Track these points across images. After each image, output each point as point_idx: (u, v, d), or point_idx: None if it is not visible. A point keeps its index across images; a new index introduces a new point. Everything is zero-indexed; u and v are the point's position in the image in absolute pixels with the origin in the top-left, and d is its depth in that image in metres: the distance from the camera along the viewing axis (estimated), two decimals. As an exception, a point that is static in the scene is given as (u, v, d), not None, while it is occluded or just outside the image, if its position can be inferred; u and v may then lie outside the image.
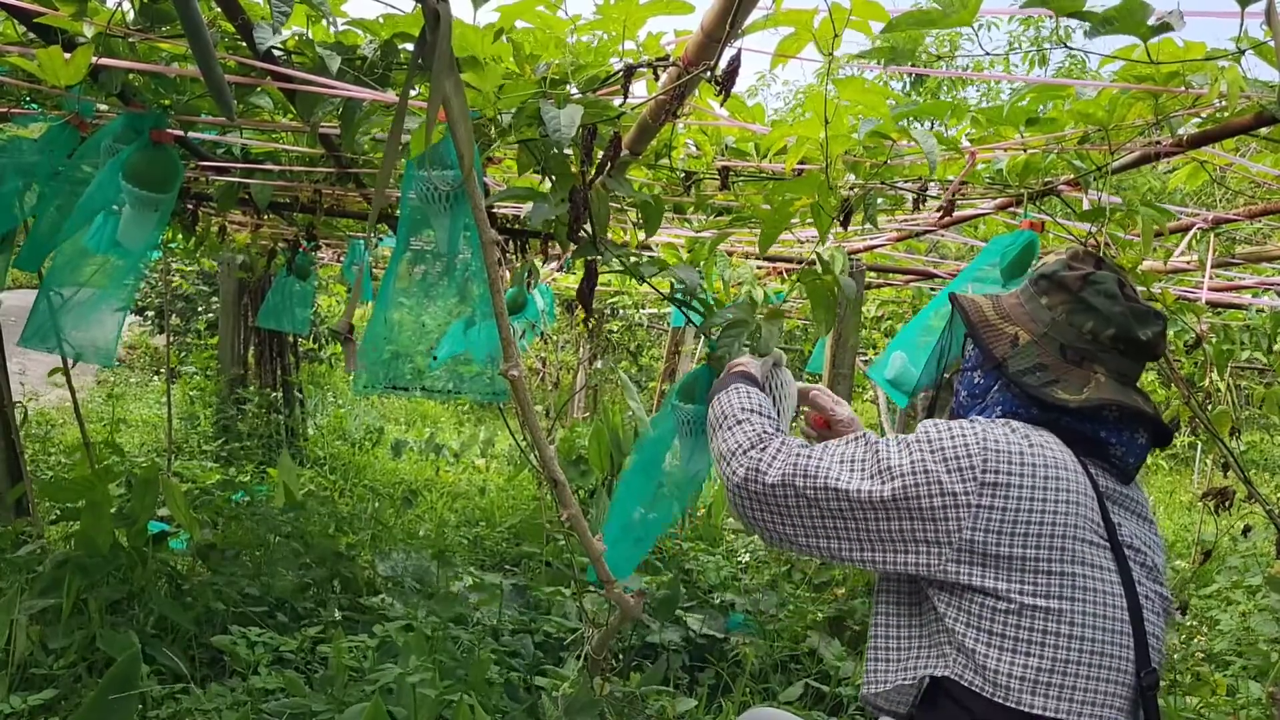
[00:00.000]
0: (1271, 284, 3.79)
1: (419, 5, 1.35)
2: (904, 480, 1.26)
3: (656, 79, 1.80)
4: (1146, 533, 1.33)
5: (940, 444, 1.27)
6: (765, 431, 1.43)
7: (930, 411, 1.64)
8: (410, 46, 1.92)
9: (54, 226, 2.39)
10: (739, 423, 1.47)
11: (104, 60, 1.90)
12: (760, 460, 1.36)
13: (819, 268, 2.19)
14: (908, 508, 1.25)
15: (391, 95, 1.92)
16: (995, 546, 1.21)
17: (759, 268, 4.53)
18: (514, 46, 1.84)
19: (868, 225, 2.47)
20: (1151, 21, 1.61)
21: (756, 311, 1.96)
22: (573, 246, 2.03)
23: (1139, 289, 2.66)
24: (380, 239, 3.91)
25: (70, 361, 3.63)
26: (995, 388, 1.41)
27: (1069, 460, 1.27)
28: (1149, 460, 10.88)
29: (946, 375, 1.61)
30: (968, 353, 1.50)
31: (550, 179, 2.02)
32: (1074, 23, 1.65)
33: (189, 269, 8.34)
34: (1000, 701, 1.20)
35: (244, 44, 1.79)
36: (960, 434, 1.27)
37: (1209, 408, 3.29)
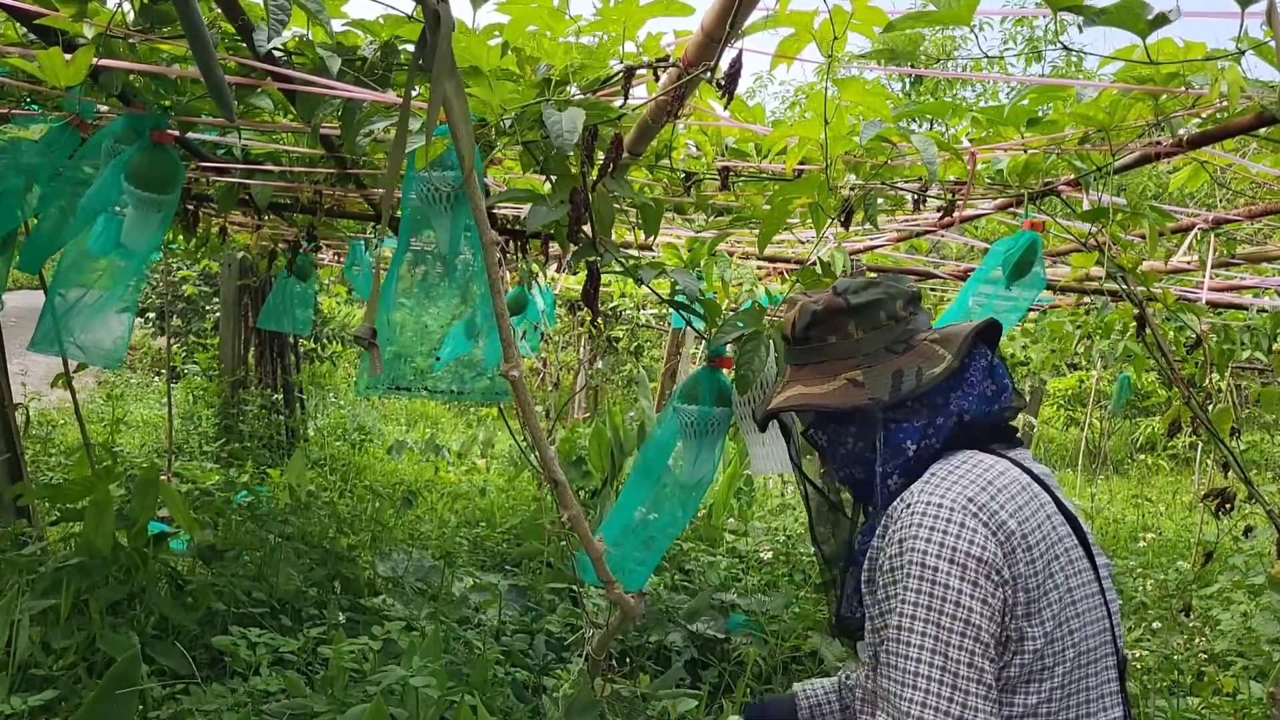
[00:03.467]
0: (1272, 284, 3.79)
1: (419, 6, 1.35)
2: (974, 624, 1.14)
3: (656, 80, 1.80)
4: (1074, 504, 1.33)
5: (950, 550, 1.16)
6: None
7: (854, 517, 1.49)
8: (410, 47, 1.92)
9: (55, 228, 2.40)
10: None
11: (104, 61, 1.90)
12: None
13: (819, 268, 2.19)
14: (988, 635, 1.15)
15: (392, 96, 1.92)
16: (1024, 594, 1.17)
17: (759, 268, 4.53)
18: (516, 51, 1.84)
19: (868, 225, 2.47)
20: (1149, 16, 1.60)
21: (765, 318, 1.95)
22: (573, 248, 2.03)
23: (1139, 289, 2.67)
24: (381, 240, 3.91)
25: (71, 364, 3.63)
26: (881, 435, 1.31)
27: (1014, 471, 1.24)
28: (1150, 461, 10.90)
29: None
30: (825, 440, 1.41)
31: (550, 180, 2.02)
32: (1069, 18, 1.65)
33: (192, 273, 8.35)
34: None
35: (244, 45, 1.80)
36: (949, 518, 1.17)
37: (1209, 408, 3.29)
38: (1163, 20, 1.61)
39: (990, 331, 1.36)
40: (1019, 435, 1.37)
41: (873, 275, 1.38)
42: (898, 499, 1.25)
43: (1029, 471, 1.27)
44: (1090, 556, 1.26)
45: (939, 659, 1.15)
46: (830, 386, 1.34)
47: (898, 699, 1.17)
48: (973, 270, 3.06)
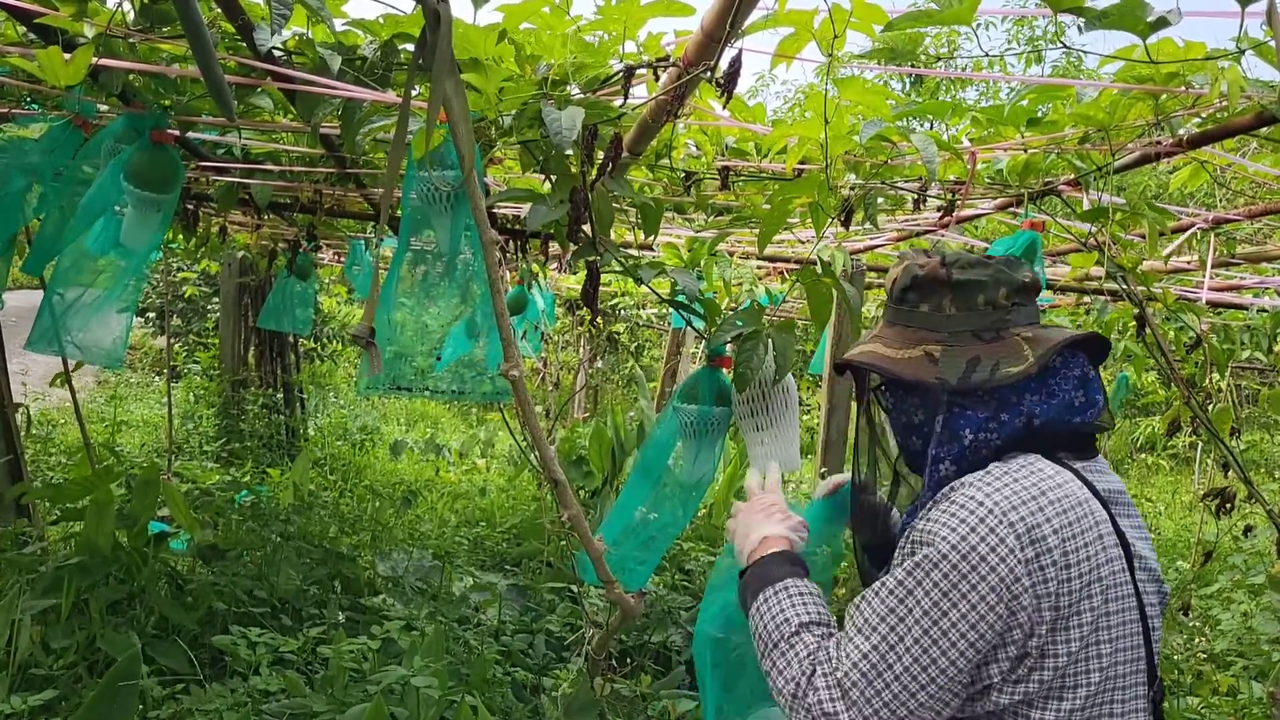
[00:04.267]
0: (1272, 284, 3.79)
1: (419, 6, 1.35)
2: (956, 610, 1.16)
3: (657, 79, 1.80)
4: (1138, 524, 1.30)
5: (968, 547, 1.16)
6: (810, 656, 1.26)
7: (893, 491, 1.50)
8: (410, 47, 1.92)
9: (58, 229, 2.40)
10: (785, 651, 1.29)
11: (104, 61, 1.90)
12: (819, 703, 1.21)
13: (818, 268, 2.19)
14: (966, 642, 1.17)
15: (392, 96, 1.92)
16: (1052, 612, 1.16)
17: (759, 267, 4.53)
18: (515, 47, 1.84)
19: (868, 225, 2.47)
20: (1149, 18, 1.60)
21: (764, 317, 1.95)
22: (572, 247, 2.03)
23: (1139, 289, 2.67)
24: (381, 240, 3.92)
25: (71, 363, 3.64)
26: (943, 415, 1.30)
27: (1073, 485, 1.22)
28: (1150, 460, 10.90)
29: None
30: (889, 405, 1.40)
31: (550, 180, 2.02)
32: (1068, 19, 1.64)
33: (194, 274, 8.35)
34: None
35: (244, 44, 1.80)
36: (982, 520, 1.17)
37: (1209, 407, 3.29)
38: (1163, 23, 1.61)
39: (1094, 344, 1.33)
40: (1096, 447, 1.33)
41: (989, 257, 1.32)
42: (947, 486, 1.25)
43: (1091, 486, 1.24)
44: (1135, 581, 1.23)
45: (894, 634, 1.18)
46: (906, 354, 1.33)
47: (846, 639, 1.23)
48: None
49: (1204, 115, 2.08)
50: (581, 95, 1.89)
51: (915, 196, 2.45)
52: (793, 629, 1.31)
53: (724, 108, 1.80)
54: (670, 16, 1.76)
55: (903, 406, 1.38)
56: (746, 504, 1.61)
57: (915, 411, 1.35)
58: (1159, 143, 2.18)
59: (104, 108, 2.38)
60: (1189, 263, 3.50)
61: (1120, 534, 1.24)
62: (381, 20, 1.92)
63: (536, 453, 1.76)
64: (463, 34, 1.71)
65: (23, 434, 4.14)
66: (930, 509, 1.23)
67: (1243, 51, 1.71)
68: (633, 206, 2.58)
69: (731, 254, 4.01)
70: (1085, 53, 3.73)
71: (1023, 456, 1.26)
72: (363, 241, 4.97)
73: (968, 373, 1.27)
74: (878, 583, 1.24)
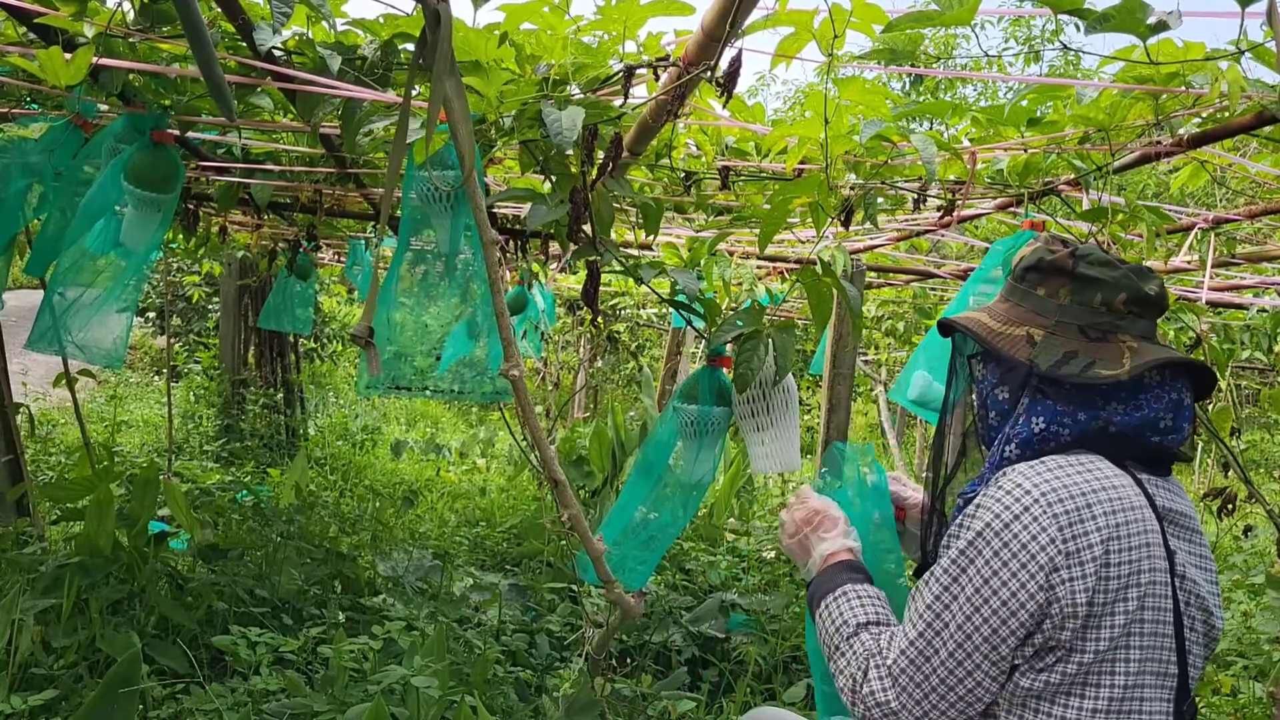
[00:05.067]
0: (1272, 283, 3.79)
1: (419, 5, 1.35)
2: (998, 598, 1.19)
3: (657, 79, 1.80)
4: (1198, 551, 1.29)
5: (1010, 534, 1.19)
6: (866, 653, 1.31)
7: (956, 461, 1.54)
8: (411, 47, 1.92)
9: (59, 230, 2.40)
10: (845, 653, 1.34)
11: (104, 60, 1.90)
12: (874, 694, 1.27)
13: (819, 269, 2.19)
14: (1007, 629, 1.19)
15: (392, 95, 1.92)
16: (1086, 608, 1.17)
17: (759, 267, 4.53)
18: (515, 48, 1.84)
19: (868, 225, 2.47)
20: (1150, 20, 1.60)
21: (765, 317, 1.95)
22: (573, 247, 2.03)
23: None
24: (381, 239, 3.92)
25: (72, 363, 3.63)
26: (1025, 398, 1.32)
27: (1130, 491, 1.23)
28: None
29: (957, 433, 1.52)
30: (980, 374, 1.43)
31: (550, 180, 2.02)
32: (1065, 19, 1.64)
33: (197, 277, 8.35)
34: None
35: (244, 44, 1.80)
36: (1026, 508, 1.19)
37: (1209, 407, 3.29)
38: (1163, 26, 1.61)
39: (1200, 373, 1.33)
40: (1169, 469, 1.34)
41: (1137, 265, 1.33)
42: (999, 471, 1.27)
43: (1149, 496, 1.25)
44: (1176, 599, 1.23)
45: (940, 620, 1.23)
46: (1008, 330, 1.36)
47: (899, 630, 1.29)
48: (973, 270, 3.06)
49: (1204, 115, 2.08)
50: (582, 95, 1.89)
51: (915, 196, 2.45)
52: (851, 629, 1.36)
53: (724, 107, 1.80)
54: (670, 16, 1.76)
55: (990, 379, 1.41)
56: (791, 518, 1.60)
57: (1001, 387, 1.38)
58: (1159, 143, 2.18)
59: (104, 107, 2.38)
60: (1189, 263, 3.50)
61: (1169, 551, 1.23)
62: (381, 20, 1.92)
63: (536, 453, 1.77)
64: (463, 38, 1.71)
65: (24, 434, 4.14)
66: (989, 488, 1.25)
67: (1242, 52, 1.71)
68: (633, 206, 2.58)
69: (731, 254, 4.01)
70: (1084, 53, 3.75)
71: (1086, 455, 1.27)
72: (363, 241, 4.97)
73: (1060, 363, 1.28)
74: (928, 572, 1.28)
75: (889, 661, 1.27)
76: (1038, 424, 1.30)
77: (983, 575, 1.20)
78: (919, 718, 1.25)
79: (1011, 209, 2.93)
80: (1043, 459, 1.26)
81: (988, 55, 2.01)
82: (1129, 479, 1.25)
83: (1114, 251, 2.47)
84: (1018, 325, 1.35)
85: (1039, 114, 2.25)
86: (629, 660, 3.59)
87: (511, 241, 3.39)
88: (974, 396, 1.47)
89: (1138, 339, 1.30)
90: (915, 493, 1.69)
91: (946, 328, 1.47)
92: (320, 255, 6.05)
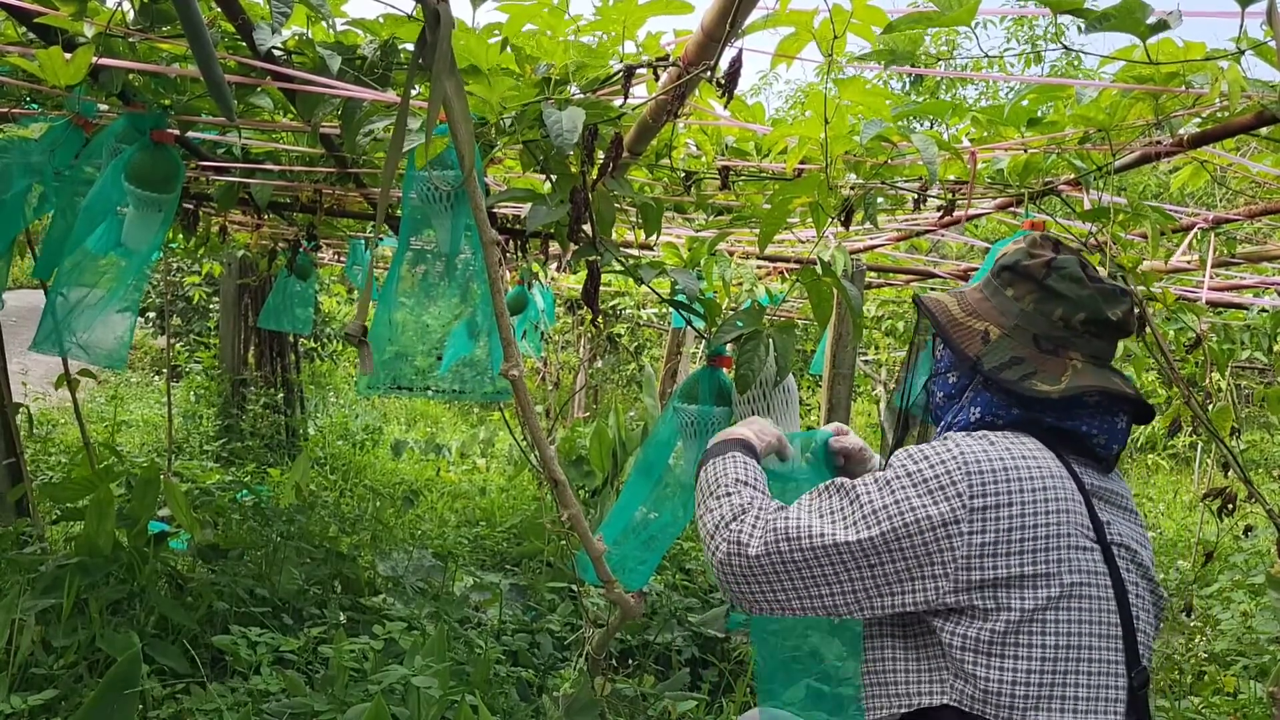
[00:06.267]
0: (1272, 283, 3.79)
1: (419, 5, 1.35)
2: (890, 522, 1.23)
3: (656, 79, 1.80)
4: (1133, 527, 1.32)
5: (921, 475, 1.24)
6: (746, 502, 1.36)
7: (900, 433, 1.59)
8: (410, 46, 1.92)
9: (65, 233, 2.40)
10: (722, 496, 1.39)
11: (104, 60, 1.90)
12: (740, 533, 1.31)
13: (819, 269, 2.19)
14: (899, 549, 1.22)
15: (392, 95, 1.92)
16: (992, 570, 1.20)
17: (759, 267, 4.53)
18: (515, 50, 1.84)
19: (868, 225, 2.47)
20: (1150, 20, 1.60)
21: (765, 317, 1.95)
22: (573, 247, 2.03)
23: (1139, 288, 2.67)
24: (381, 239, 3.92)
25: (72, 364, 3.64)
26: (971, 387, 1.38)
27: (1052, 465, 1.26)
28: (1149, 460, 10.90)
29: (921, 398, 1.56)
30: (939, 353, 1.47)
31: (550, 180, 2.02)
32: (1066, 19, 1.65)
33: (198, 278, 8.36)
34: None
35: (244, 44, 1.80)
36: (939, 460, 1.24)
37: (1209, 407, 3.29)
38: (1163, 26, 1.61)
39: (1140, 407, 1.35)
40: (1107, 470, 1.36)
41: (1110, 285, 1.35)
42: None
43: (1074, 473, 1.27)
44: (1117, 568, 1.25)
45: (832, 517, 1.27)
46: (969, 321, 1.40)
47: (794, 506, 1.32)
48: (973, 270, 3.06)
49: (1204, 115, 2.08)
50: (582, 95, 1.89)
51: (915, 196, 2.44)
52: (731, 482, 1.41)
53: (724, 107, 1.80)
54: (669, 15, 1.76)
55: (944, 361, 1.45)
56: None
57: (951, 372, 1.43)
58: (1159, 143, 2.18)
59: (104, 107, 2.38)
60: (1189, 262, 3.50)
61: (1096, 520, 1.26)
62: (381, 20, 1.92)
63: (536, 453, 1.76)
64: (464, 45, 1.71)
65: (23, 434, 4.14)
66: (918, 445, 1.31)
67: (1243, 51, 1.71)
68: (633, 206, 2.58)
69: (731, 254, 4.01)
70: (1085, 53, 3.74)
71: (1020, 435, 1.30)
72: (363, 241, 4.97)
73: (1003, 366, 1.33)
74: (841, 478, 1.32)
75: (770, 517, 1.30)
76: (976, 412, 1.37)
77: (882, 500, 1.24)
78: (761, 583, 1.29)
79: (1012, 209, 2.93)
80: (976, 433, 1.31)
81: (988, 55, 2.01)
82: (1055, 458, 1.28)
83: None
84: (980, 319, 1.39)
85: (1039, 114, 2.24)
86: (630, 660, 3.59)
87: (511, 241, 3.39)
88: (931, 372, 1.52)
89: (1086, 359, 1.33)
90: (858, 440, 1.74)
91: (918, 306, 1.51)
92: (320, 255, 6.05)
